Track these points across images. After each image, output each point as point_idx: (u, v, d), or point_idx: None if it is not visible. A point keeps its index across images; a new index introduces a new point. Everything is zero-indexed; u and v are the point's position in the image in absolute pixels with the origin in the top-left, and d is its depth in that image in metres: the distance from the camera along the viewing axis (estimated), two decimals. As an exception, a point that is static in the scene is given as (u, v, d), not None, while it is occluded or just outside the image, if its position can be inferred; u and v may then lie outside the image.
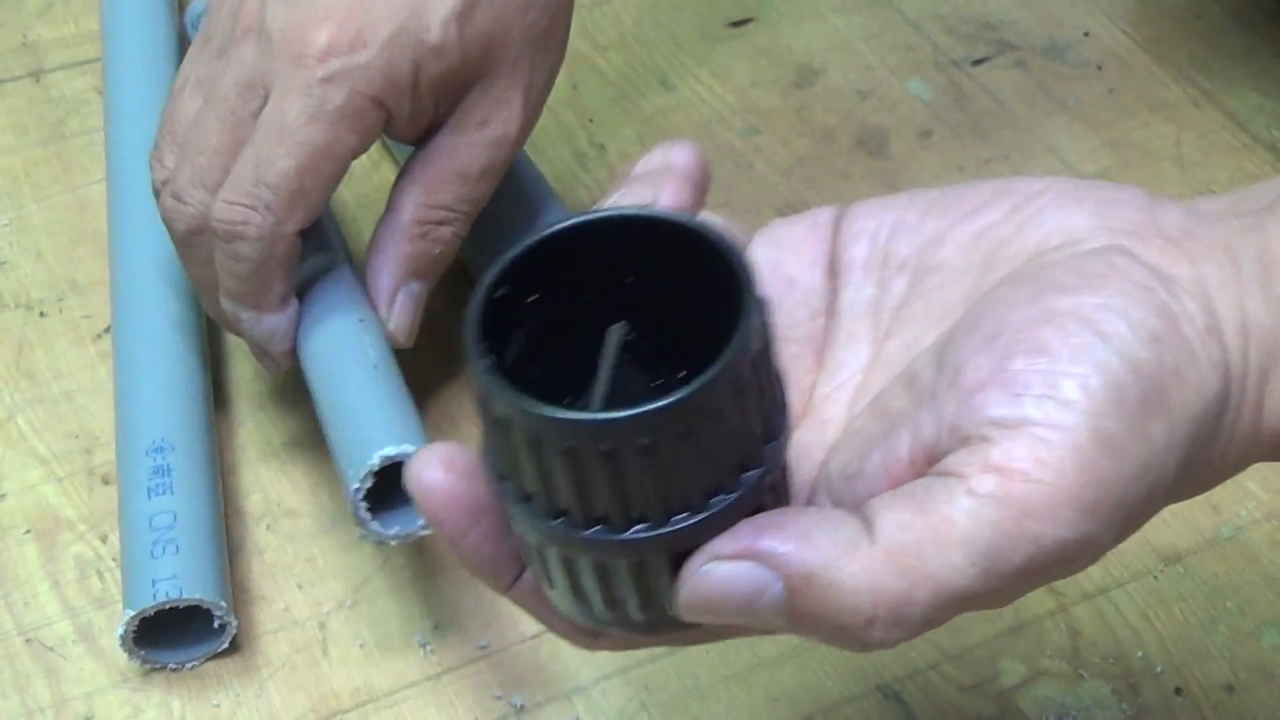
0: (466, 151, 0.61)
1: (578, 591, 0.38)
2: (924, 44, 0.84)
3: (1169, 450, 0.38)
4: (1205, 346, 0.38)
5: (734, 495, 0.36)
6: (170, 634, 0.57)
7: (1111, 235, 0.40)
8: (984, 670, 0.58)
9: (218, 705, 0.57)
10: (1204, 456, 0.39)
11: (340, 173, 0.59)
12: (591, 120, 0.79)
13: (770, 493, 0.37)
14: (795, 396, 0.40)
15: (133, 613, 0.55)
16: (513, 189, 0.68)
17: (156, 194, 0.61)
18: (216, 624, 0.57)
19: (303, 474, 0.64)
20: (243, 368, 0.67)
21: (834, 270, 0.43)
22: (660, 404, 0.34)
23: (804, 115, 0.80)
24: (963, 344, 0.39)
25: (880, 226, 0.43)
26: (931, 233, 0.42)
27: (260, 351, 0.61)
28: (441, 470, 0.38)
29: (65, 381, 0.67)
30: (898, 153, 0.78)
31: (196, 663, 0.58)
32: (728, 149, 0.78)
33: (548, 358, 0.38)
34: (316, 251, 0.63)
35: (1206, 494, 0.63)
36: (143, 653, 0.57)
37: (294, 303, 0.60)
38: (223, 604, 0.56)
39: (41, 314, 0.69)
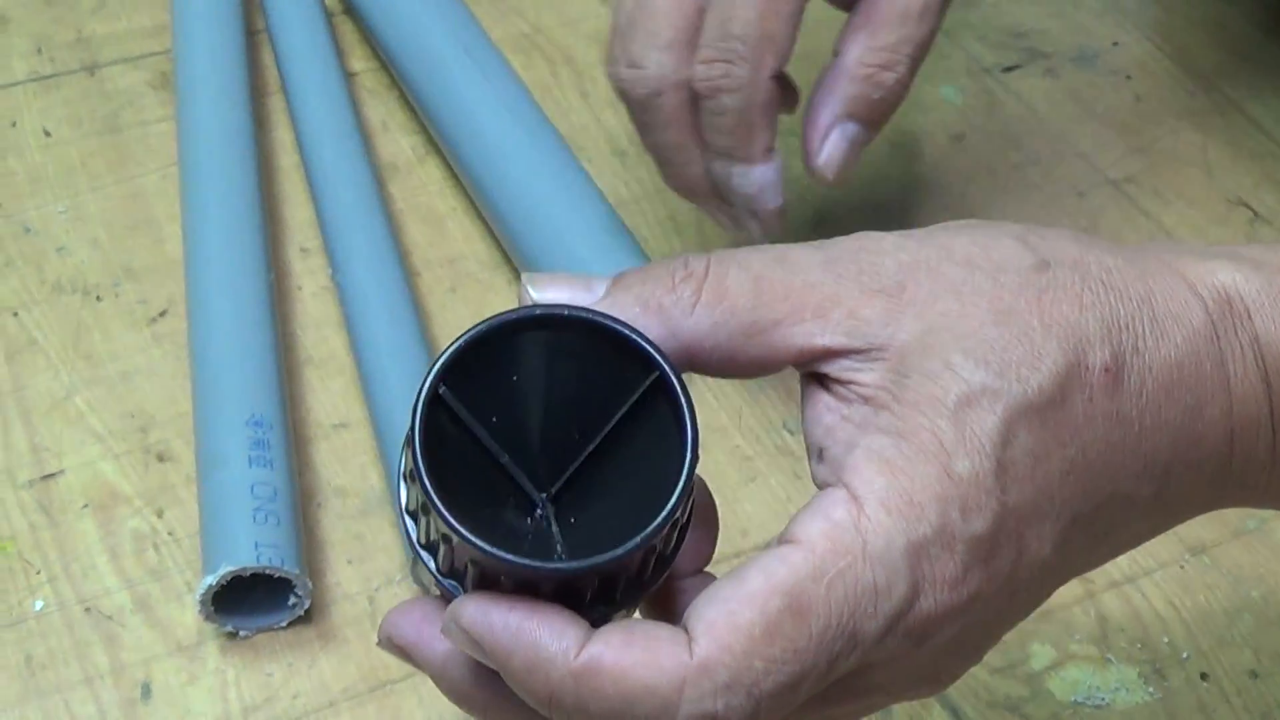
0: None
1: None
2: (956, 51, 0.86)
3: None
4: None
5: (621, 609, 0.40)
6: (228, 599, 0.59)
7: None
8: (1014, 653, 0.60)
9: (270, 674, 0.59)
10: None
11: (798, 10, 0.61)
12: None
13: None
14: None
15: (232, 568, 0.57)
16: (551, 176, 0.71)
17: (616, 83, 0.64)
18: (291, 602, 0.59)
19: (351, 455, 0.66)
20: (293, 353, 0.69)
21: None
22: (583, 564, 0.38)
23: (839, 118, 0.82)
24: None
25: None
26: None
27: (749, 213, 0.64)
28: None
29: (121, 363, 0.69)
30: (930, 155, 0.80)
31: (250, 633, 0.59)
32: (765, 149, 0.80)
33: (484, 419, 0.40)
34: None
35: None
36: (212, 609, 0.58)
37: (778, 155, 0.63)
38: (310, 585, 0.59)
39: (98, 298, 0.71)
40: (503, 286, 0.72)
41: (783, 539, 0.38)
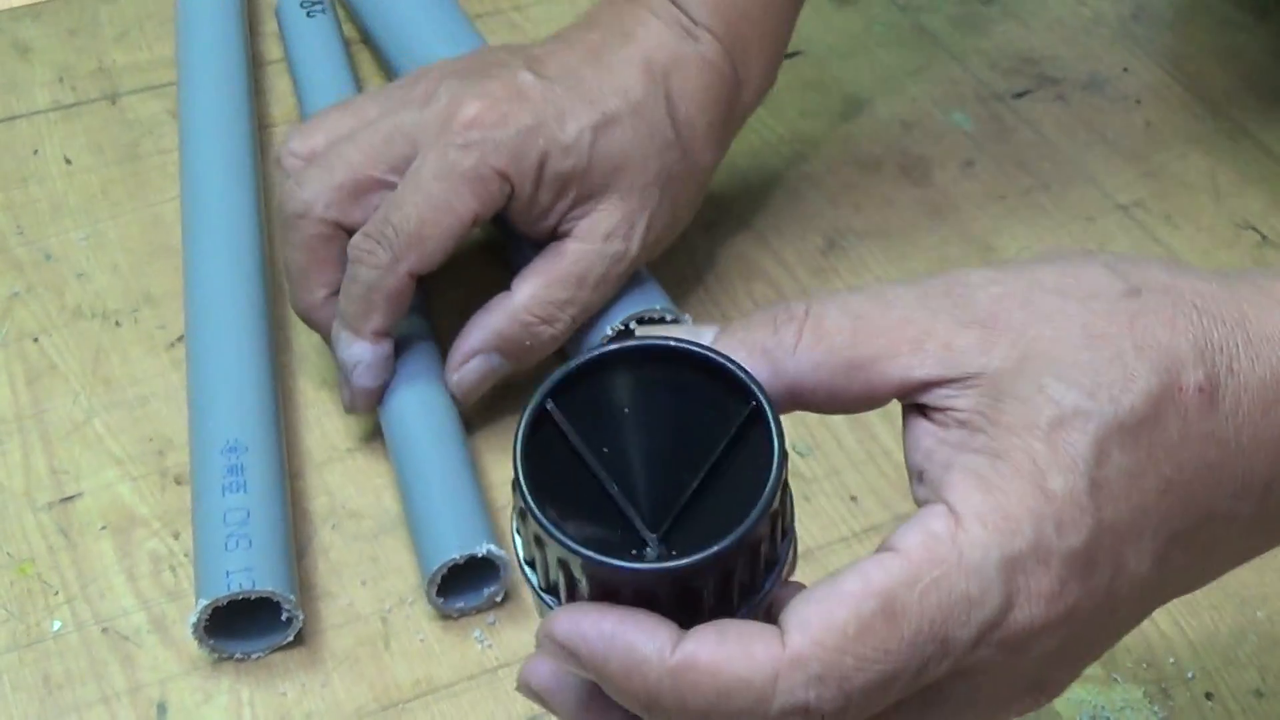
0: (588, 259, 0.66)
1: None
2: (967, 78, 0.86)
3: None
4: None
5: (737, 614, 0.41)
6: (238, 625, 0.60)
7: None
8: (1021, 673, 0.60)
9: (284, 694, 0.59)
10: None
11: (458, 229, 0.64)
12: (645, 147, 0.82)
13: (764, 612, 0.42)
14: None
15: (206, 601, 0.58)
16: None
17: (278, 162, 0.68)
18: (284, 617, 0.59)
19: (366, 478, 0.66)
20: (309, 377, 0.70)
21: None
22: (678, 564, 0.39)
23: (850, 145, 0.83)
24: None
25: None
26: None
27: (344, 380, 0.66)
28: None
29: (140, 387, 0.70)
30: (941, 181, 0.81)
31: (262, 653, 0.60)
32: (777, 176, 0.80)
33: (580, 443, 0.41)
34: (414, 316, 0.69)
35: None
36: (212, 641, 0.59)
37: (387, 344, 0.66)
38: (291, 597, 0.59)
39: (117, 324, 0.72)
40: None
41: (882, 547, 0.40)
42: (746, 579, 0.41)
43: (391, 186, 0.65)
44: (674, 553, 0.40)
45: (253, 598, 0.58)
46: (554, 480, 0.40)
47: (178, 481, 0.66)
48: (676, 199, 0.69)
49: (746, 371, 0.41)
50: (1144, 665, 0.60)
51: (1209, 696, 0.60)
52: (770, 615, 0.42)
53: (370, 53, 0.87)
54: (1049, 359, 0.40)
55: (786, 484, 0.41)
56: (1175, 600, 0.61)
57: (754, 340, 0.42)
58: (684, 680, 0.39)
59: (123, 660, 0.60)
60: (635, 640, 0.39)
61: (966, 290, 0.42)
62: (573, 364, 0.41)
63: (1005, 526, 0.39)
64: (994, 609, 0.39)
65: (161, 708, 0.59)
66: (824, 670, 0.38)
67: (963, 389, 0.41)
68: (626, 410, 0.42)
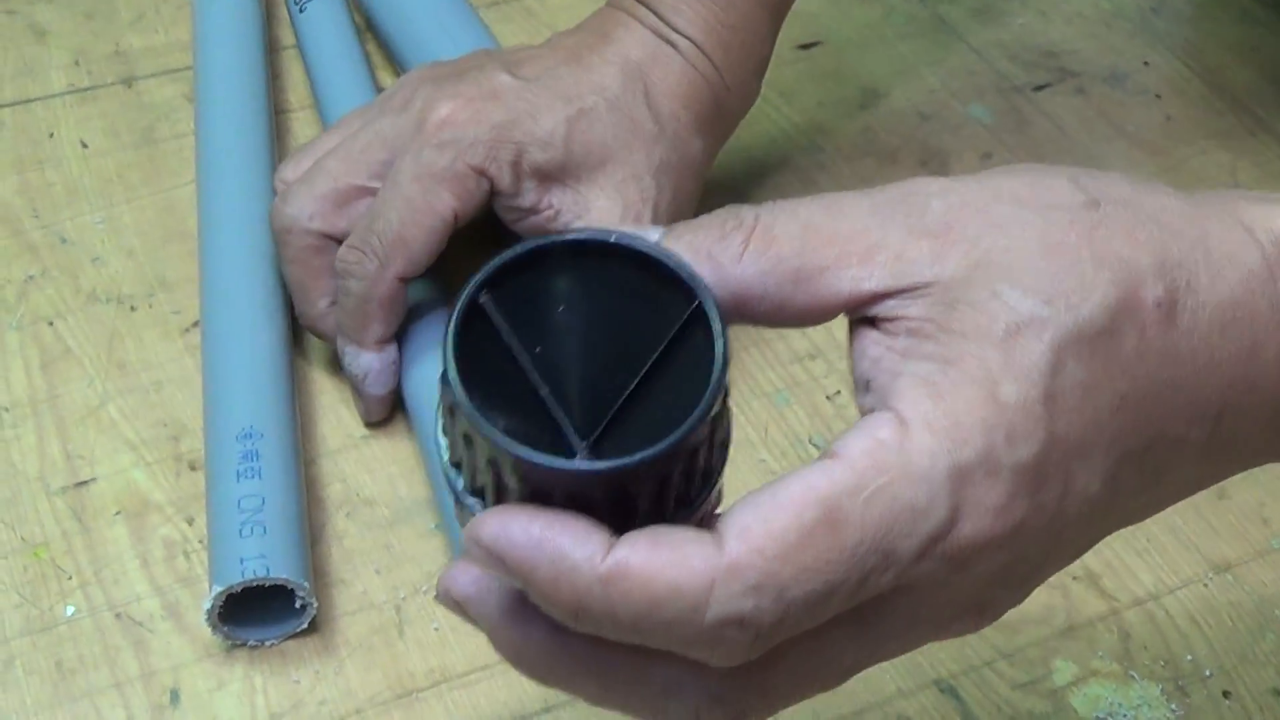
0: None
1: None
2: (986, 70, 0.86)
3: None
4: None
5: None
6: (252, 612, 0.60)
7: None
8: (1037, 669, 0.60)
9: (298, 681, 0.59)
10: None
11: (440, 229, 0.65)
12: (662, 136, 0.82)
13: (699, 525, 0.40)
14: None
15: (220, 588, 0.58)
16: None
17: (275, 191, 0.70)
18: (298, 604, 0.59)
19: (380, 465, 0.66)
20: (323, 365, 0.70)
21: None
22: (614, 464, 0.37)
23: (868, 135, 0.82)
24: None
25: None
26: None
27: (356, 392, 0.67)
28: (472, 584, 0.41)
29: (154, 372, 0.69)
30: (958, 173, 0.80)
31: (275, 641, 0.60)
32: (794, 166, 0.80)
33: (518, 345, 0.40)
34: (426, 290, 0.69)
35: (1257, 507, 0.65)
36: (225, 629, 0.59)
37: (391, 350, 0.67)
38: (305, 585, 0.59)
39: (132, 308, 0.72)
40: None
41: (825, 453, 0.38)
42: (683, 487, 0.39)
43: (373, 193, 0.66)
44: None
45: (267, 585, 0.58)
46: (485, 379, 0.38)
47: (192, 467, 0.66)
48: (677, 191, 0.69)
49: (689, 269, 0.39)
50: (1161, 662, 0.60)
51: (1226, 695, 0.59)
52: (705, 528, 0.40)
53: (377, 46, 0.86)
54: (1004, 266, 0.39)
55: (727, 391, 0.39)
56: (1193, 598, 0.62)
57: (699, 244, 0.41)
58: (615, 588, 0.37)
59: (136, 646, 0.60)
60: (565, 545, 0.37)
61: (922, 199, 0.41)
62: (508, 254, 0.39)
63: (955, 434, 0.38)
64: (940, 520, 0.38)
65: (174, 694, 0.59)
66: (762, 579, 0.37)
67: (914, 298, 0.39)
68: (563, 307, 0.40)
